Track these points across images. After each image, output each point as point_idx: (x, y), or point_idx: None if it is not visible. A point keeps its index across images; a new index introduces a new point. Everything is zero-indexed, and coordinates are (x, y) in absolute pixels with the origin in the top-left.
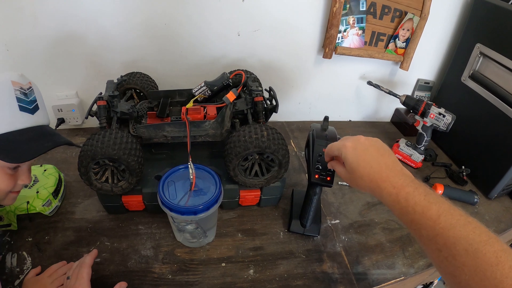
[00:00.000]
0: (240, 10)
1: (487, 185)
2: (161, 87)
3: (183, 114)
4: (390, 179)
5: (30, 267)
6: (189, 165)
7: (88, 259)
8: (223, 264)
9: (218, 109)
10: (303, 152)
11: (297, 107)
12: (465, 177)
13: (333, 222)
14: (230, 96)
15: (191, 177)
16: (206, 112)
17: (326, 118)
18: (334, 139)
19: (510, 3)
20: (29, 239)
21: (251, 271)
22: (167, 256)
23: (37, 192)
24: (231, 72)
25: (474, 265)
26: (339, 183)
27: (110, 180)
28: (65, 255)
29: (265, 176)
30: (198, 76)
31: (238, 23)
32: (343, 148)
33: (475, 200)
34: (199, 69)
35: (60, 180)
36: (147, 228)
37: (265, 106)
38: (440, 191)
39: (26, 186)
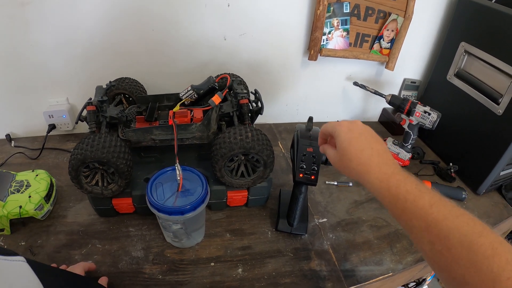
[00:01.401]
0: (225, 15)
1: (475, 181)
2: (150, 92)
3: (170, 118)
4: (381, 165)
5: None
6: (176, 167)
7: (82, 263)
8: (212, 264)
9: (205, 112)
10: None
11: (284, 108)
12: (453, 174)
13: (320, 220)
14: (216, 99)
15: (178, 178)
16: (192, 115)
17: (310, 118)
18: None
19: (493, 1)
20: (22, 243)
21: (240, 270)
22: (157, 257)
23: (29, 196)
24: (217, 76)
25: (469, 257)
26: (326, 182)
27: (100, 183)
28: (58, 258)
29: (251, 177)
30: (187, 80)
31: (224, 28)
32: (337, 126)
33: (463, 196)
34: (187, 73)
35: (51, 184)
36: (137, 230)
37: (251, 108)
38: None
39: (18, 191)
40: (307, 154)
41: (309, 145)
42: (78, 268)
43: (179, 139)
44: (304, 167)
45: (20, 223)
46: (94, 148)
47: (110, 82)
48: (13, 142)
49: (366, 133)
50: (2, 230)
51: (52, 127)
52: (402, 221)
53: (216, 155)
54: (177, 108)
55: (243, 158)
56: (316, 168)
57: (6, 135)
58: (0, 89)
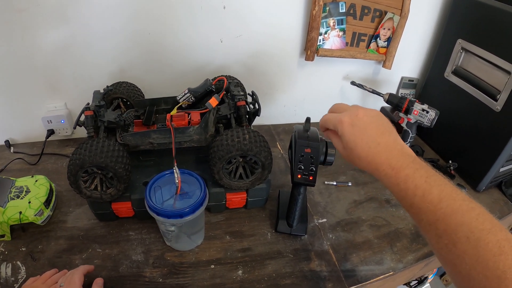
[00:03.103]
0: (221, 17)
1: (475, 178)
2: (147, 96)
3: (168, 121)
4: (389, 160)
5: (25, 276)
6: (175, 170)
7: (82, 267)
8: (212, 266)
9: (202, 114)
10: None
11: (282, 110)
12: (452, 172)
13: (320, 221)
14: (213, 101)
15: (177, 181)
16: (190, 118)
17: (307, 119)
18: (316, 139)
19: None
20: (23, 249)
21: (240, 272)
22: (157, 260)
23: (29, 202)
24: (214, 78)
25: (475, 254)
26: (325, 182)
27: (99, 188)
28: (59, 263)
29: (249, 178)
30: (184, 84)
31: (220, 30)
32: (339, 124)
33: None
34: (185, 76)
35: (51, 189)
36: (137, 234)
37: (248, 110)
38: None
39: (18, 197)
40: (305, 155)
41: (307, 146)
42: (78, 272)
43: (177, 142)
44: (302, 167)
45: (20, 229)
46: (92, 153)
47: (107, 86)
48: (12, 148)
49: (370, 126)
50: (3, 236)
51: (50, 132)
52: (411, 214)
53: (214, 158)
54: (174, 111)
55: (241, 160)
56: (314, 169)
57: (5, 141)
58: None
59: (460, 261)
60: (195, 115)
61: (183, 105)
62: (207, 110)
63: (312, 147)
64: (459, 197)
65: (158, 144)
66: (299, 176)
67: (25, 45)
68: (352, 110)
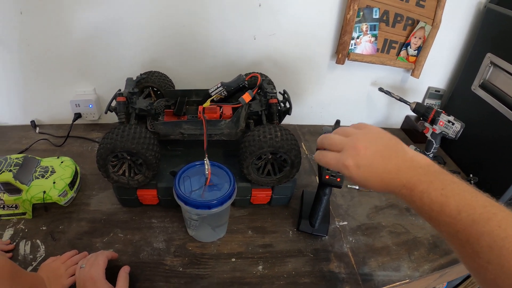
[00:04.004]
0: (256, 14)
1: (495, 194)
2: (177, 87)
3: (200, 113)
4: (402, 180)
5: (44, 255)
6: (205, 161)
7: (106, 252)
8: (233, 260)
9: (234, 109)
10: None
11: (309, 110)
12: (472, 185)
13: (341, 223)
14: (246, 97)
15: (207, 172)
16: (222, 112)
17: (337, 121)
18: None
19: None
20: (43, 228)
21: (260, 267)
22: (178, 250)
23: (54, 182)
24: (247, 74)
25: (499, 263)
26: (348, 186)
27: (127, 174)
28: (79, 245)
29: (277, 176)
30: (214, 77)
31: (254, 27)
32: (345, 169)
33: None
34: (215, 70)
35: (76, 172)
36: (160, 222)
37: (279, 108)
38: None
39: (42, 177)
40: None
41: None
42: (102, 256)
43: (208, 135)
44: (331, 169)
45: (42, 208)
46: (124, 138)
47: (140, 74)
48: (37, 128)
49: (377, 158)
50: (24, 213)
51: (77, 116)
52: (431, 225)
53: (245, 152)
54: (207, 104)
55: (270, 157)
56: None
57: (31, 122)
58: (28, 76)
59: (485, 270)
60: (227, 109)
61: (215, 99)
62: (240, 105)
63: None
64: (479, 204)
65: (188, 135)
66: (327, 177)
67: (59, 29)
68: (352, 147)
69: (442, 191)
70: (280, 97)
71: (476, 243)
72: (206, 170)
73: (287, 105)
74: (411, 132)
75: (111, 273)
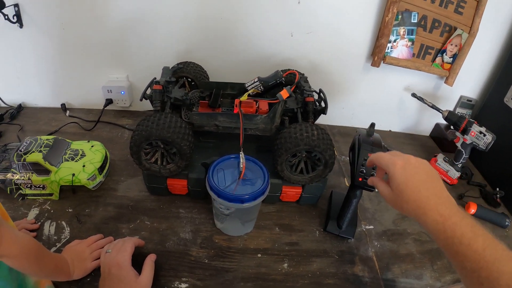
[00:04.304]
0: (295, 11)
1: None
2: (210, 79)
3: (236, 106)
4: (438, 206)
5: (68, 237)
6: (241, 155)
7: (134, 239)
8: (259, 255)
9: (270, 105)
10: (343, 157)
11: (340, 111)
12: (498, 200)
13: (367, 227)
14: (284, 93)
15: (241, 166)
16: (258, 107)
17: (372, 124)
18: (379, 145)
19: None
20: (69, 210)
21: (286, 265)
22: (205, 241)
23: (84, 166)
24: (284, 71)
25: None
26: (377, 190)
27: (159, 162)
28: (104, 229)
29: (309, 174)
30: (248, 71)
31: (292, 24)
32: (392, 165)
33: (507, 223)
34: (249, 65)
35: (106, 157)
36: (187, 213)
37: (315, 107)
38: (473, 210)
39: (72, 159)
40: (367, 159)
41: (370, 151)
42: (130, 243)
43: (243, 129)
44: (364, 171)
45: (70, 190)
46: (160, 126)
47: (177, 64)
48: (68, 111)
49: (421, 171)
50: (51, 194)
51: (109, 101)
52: (454, 261)
53: (280, 149)
54: (244, 98)
55: (304, 155)
56: (375, 174)
57: (61, 104)
58: (62, 59)
59: None
60: (264, 104)
61: (251, 93)
62: (277, 101)
63: (375, 152)
64: (499, 247)
65: (223, 127)
66: (359, 180)
67: (95, 14)
68: (404, 155)
69: (472, 228)
70: (315, 96)
71: (496, 281)
72: (241, 164)
73: (323, 104)
74: (440, 141)
75: (135, 261)
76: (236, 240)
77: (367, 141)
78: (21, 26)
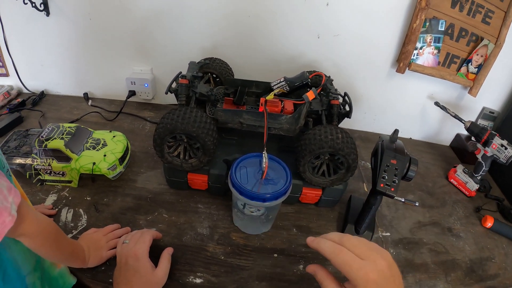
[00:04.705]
0: (323, 13)
1: None
2: (235, 76)
3: (261, 105)
4: None
5: (85, 224)
6: (264, 154)
7: (152, 231)
8: (275, 255)
9: (296, 105)
10: (363, 162)
11: (362, 116)
12: None
13: (384, 234)
14: (310, 95)
15: (264, 165)
16: (283, 106)
17: (396, 131)
18: (402, 152)
19: None
20: (88, 198)
21: (301, 266)
22: (222, 238)
23: (105, 155)
24: (310, 72)
25: None
26: (395, 198)
27: (181, 156)
28: (122, 219)
29: (331, 177)
30: (273, 71)
31: (319, 26)
32: (360, 278)
33: None
34: (275, 64)
35: (127, 148)
36: (206, 208)
37: (340, 110)
38: (489, 223)
39: (93, 148)
40: (390, 166)
41: (394, 157)
42: (148, 234)
43: (267, 128)
44: (386, 177)
45: (90, 179)
46: (185, 120)
47: (204, 59)
48: (90, 101)
49: (391, 283)
50: (70, 181)
51: (132, 93)
52: None
53: (304, 150)
54: (270, 97)
55: (327, 157)
56: (397, 181)
57: (84, 94)
58: (87, 49)
59: None
60: (289, 104)
61: (276, 93)
62: (303, 102)
63: (399, 159)
64: None
65: (247, 125)
66: (381, 185)
67: (123, 6)
68: (377, 260)
69: None
70: (340, 99)
71: None
72: (264, 163)
73: (347, 108)
74: (460, 151)
75: (151, 252)
76: (253, 238)
77: (390, 147)
78: (47, 14)
